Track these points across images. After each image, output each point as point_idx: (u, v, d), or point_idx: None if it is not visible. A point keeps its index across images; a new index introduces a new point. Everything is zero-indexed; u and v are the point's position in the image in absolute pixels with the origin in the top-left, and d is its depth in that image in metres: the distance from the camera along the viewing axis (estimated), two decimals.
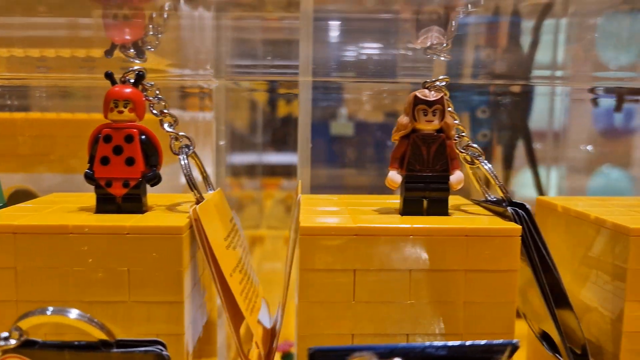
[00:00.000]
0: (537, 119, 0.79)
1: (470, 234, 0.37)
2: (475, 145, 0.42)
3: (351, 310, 0.37)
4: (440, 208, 0.40)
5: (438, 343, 0.27)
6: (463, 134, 0.42)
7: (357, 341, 0.37)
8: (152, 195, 0.46)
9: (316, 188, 0.65)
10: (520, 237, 0.37)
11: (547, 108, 0.79)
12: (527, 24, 0.72)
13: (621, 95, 0.71)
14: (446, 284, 0.37)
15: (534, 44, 0.72)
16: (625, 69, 0.73)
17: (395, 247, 0.36)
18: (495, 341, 0.27)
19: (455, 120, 0.41)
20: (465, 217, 0.40)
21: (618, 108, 0.72)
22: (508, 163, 0.79)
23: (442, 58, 0.41)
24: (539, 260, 0.38)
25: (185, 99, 0.59)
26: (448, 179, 0.40)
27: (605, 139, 0.82)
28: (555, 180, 0.82)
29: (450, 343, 0.27)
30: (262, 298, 0.47)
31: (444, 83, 0.40)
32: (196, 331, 0.41)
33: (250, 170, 0.92)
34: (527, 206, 0.39)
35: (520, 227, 0.37)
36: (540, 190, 0.76)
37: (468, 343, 0.27)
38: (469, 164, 0.42)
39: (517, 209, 0.39)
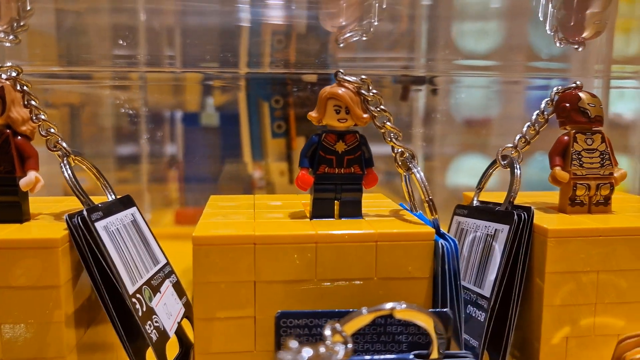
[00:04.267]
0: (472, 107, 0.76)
1: None
2: (64, 144, 0.37)
3: None
4: (11, 214, 0.35)
5: None
6: (52, 130, 0.37)
7: None
8: None
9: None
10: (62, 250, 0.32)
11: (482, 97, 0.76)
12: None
13: (407, 85, 0.66)
14: None
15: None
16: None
17: None
18: None
19: (40, 114, 0.36)
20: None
21: (404, 97, 0.67)
22: None
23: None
24: (98, 272, 0.34)
25: None
26: (15, 181, 0.35)
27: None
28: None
29: None
30: None
31: (14, 73, 0.36)
32: None
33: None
34: (87, 214, 0.34)
35: (60, 236, 0.32)
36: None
37: None
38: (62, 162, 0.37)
39: (75, 216, 0.34)
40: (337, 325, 0.27)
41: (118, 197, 0.40)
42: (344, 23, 0.35)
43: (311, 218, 0.36)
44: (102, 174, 0.40)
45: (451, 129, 0.77)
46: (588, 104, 0.38)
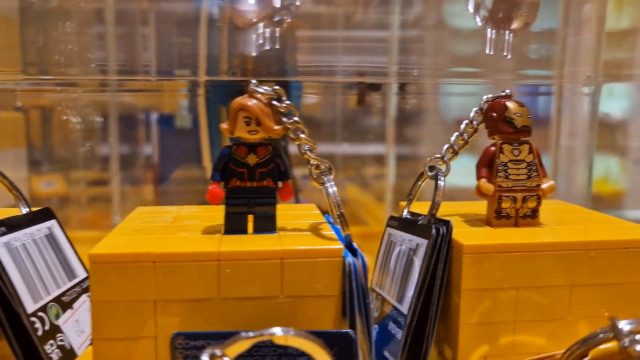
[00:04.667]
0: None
1: None
2: None
3: None
4: None
5: None
6: None
7: None
8: None
9: None
10: None
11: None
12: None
13: (363, 91, 0.65)
14: None
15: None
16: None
17: None
18: None
19: None
20: None
21: (360, 102, 0.65)
22: None
23: None
24: None
25: None
26: None
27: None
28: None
29: None
30: None
31: None
32: None
33: None
34: None
35: None
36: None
37: None
38: None
39: None
40: (217, 351, 0.26)
41: (34, 210, 0.39)
42: (255, 20, 0.34)
43: (224, 233, 0.35)
44: (16, 185, 0.39)
45: (440, 130, 0.76)
46: (514, 113, 0.37)
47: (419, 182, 0.41)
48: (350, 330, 0.31)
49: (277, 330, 0.26)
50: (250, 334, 0.27)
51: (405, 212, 0.41)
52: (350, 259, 0.32)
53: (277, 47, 0.34)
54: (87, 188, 0.83)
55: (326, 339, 0.31)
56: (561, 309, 0.35)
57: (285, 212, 0.42)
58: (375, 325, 0.39)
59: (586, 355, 0.29)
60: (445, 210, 0.43)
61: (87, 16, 0.69)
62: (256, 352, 0.31)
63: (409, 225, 0.39)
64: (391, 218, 0.42)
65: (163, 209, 0.43)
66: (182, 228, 0.37)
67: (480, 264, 0.34)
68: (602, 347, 0.28)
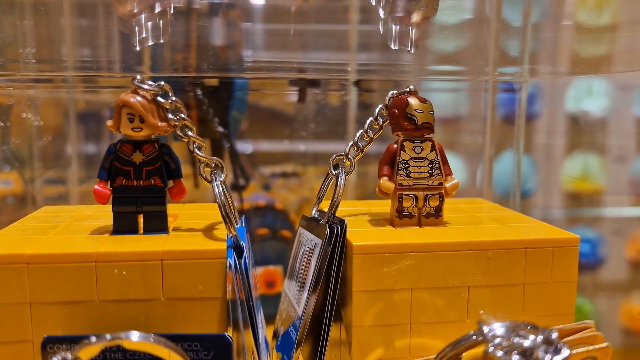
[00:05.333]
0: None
1: None
2: None
3: None
4: None
5: None
6: None
7: None
8: None
9: None
10: None
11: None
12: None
13: (303, 88, 0.64)
14: None
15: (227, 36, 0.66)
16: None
17: None
18: None
19: None
20: None
21: (301, 99, 0.65)
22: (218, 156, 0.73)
23: None
24: None
25: None
26: None
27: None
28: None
29: None
30: None
31: None
32: None
33: None
34: None
35: None
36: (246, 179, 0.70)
37: None
38: None
39: None
40: (68, 354, 0.25)
41: None
42: (136, 10, 0.33)
43: (112, 233, 0.35)
44: None
45: None
46: (415, 109, 0.36)
47: (327, 182, 0.40)
48: (226, 333, 0.30)
49: (128, 335, 0.25)
50: (108, 336, 0.26)
51: (314, 211, 0.40)
52: (230, 260, 0.31)
53: (162, 41, 0.33)
54: (45, 187, 0.82)
55: (202, 342, 0.30)
56: (458, 311, 0.34)
57: (193, 211, 0.42)
58: (282, 328, 0.39)
59: (459, 359, 0.28)
60: (361, 208, 0.43)
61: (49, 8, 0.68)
62: (131, 356, 0.30)
63: (313, 224, 0.38)
64: (302, 217, 0.41)
65: (68, 208, 0.42)
66: (74, 228, 0.36)
67: (371, 264, 0.33)
68: (473, 350, 0.27)
